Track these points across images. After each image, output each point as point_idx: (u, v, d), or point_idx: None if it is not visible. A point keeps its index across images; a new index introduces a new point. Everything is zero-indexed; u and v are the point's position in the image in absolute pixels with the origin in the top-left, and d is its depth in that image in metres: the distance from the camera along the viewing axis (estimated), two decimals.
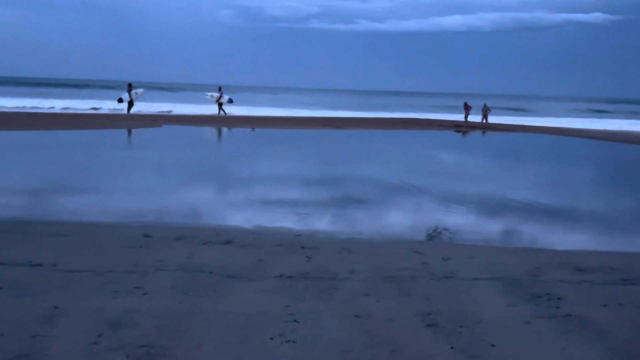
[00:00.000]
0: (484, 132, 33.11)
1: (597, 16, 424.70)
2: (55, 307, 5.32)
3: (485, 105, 41.57)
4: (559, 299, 6.02)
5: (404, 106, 68.41)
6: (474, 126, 36.04)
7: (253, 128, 28.77)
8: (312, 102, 71.73)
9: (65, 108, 41.62)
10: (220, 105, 37.67)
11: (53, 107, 41.93)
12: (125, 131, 25.04)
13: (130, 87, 35.92)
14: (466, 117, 41.12)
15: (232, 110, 40.52)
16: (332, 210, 10.33)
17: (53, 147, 19.18)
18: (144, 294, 5.76)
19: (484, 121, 40.34)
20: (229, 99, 38.46)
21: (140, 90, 36.69)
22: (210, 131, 27.49)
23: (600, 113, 72.94)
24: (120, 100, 36.33)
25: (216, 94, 37.75)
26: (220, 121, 32.12)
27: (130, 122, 28.87)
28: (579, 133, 34.05)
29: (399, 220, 9.71)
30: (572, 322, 5.43)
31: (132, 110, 35.31)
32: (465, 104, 42.20)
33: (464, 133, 32.46)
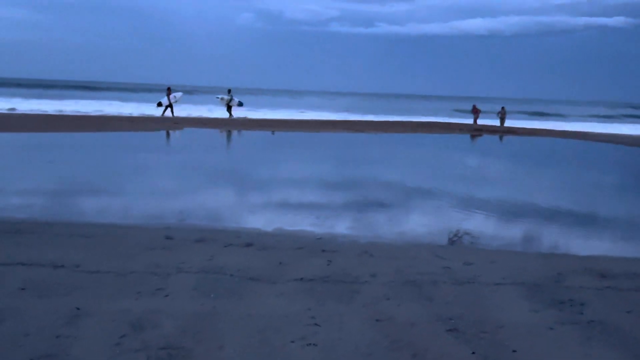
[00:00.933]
0: (502, 137, 32.88)
1: (619, 20, 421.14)
2: (78, 308, 5.37)
3: (502, 108, 41.29)
4: (582, 304, 5.96)
5: (424, 110, 68.20)
6: (494, 130, 35.86)
7: (273, 131, 28.83)
8: (332, 105, 71.81)
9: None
10: (229, 108, 37.66)
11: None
12: (145, 134, 25.20)
13: (169, 91, 36.23)
14: (475, 120, 40.86)
15: (244, 112, 40.70)
16: (352, 213, 10.32)
17: (85, 149, 19.36)
18: (166, 295, 5.79)
19: (502, 124, 40.10)
20: (239, 101, 38.56)
21: (179, 94, 36.97)
22: (230, 134, 27.60)
23: (625, 118, 72.20)
24: (159, 104, 36.65)
25: (226, 97, 37.79)
26: (240, 124, 32.26)
27: (151, 124, 29.07)
28: (602, 138, 33.74)
29: (420, 224, 9.68)
30: (596, 328, 5.38)
31: (167, 113, 35.74)
32: (474, 107, 41.93)
33: (481, 137, 32.33)
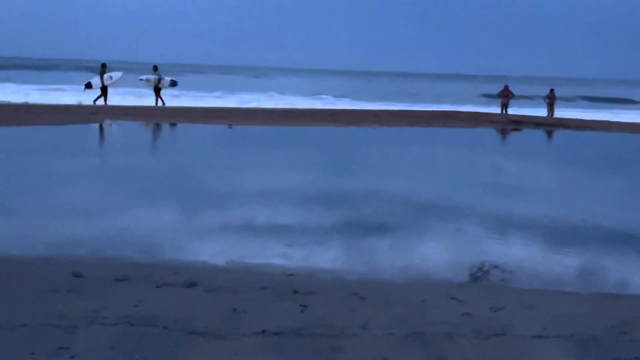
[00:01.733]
0: (550, 131, 33.08)
1: None
2: None
3: (551, 91, 41.37)
4: None
5: (439, 95, 68.52)
6: (539, 122, 36.05)
7: (230, 125, 28.79)
8: (310, 87, 71.93)
9: None
10: (158, 91, 37.35)
11: None
12: (48, 129, 25.06)
13: (104, 68, 36.14)
14: (504, 107, 40.81)
15: (195, 101, 40.67)
16: (338, 240, 10.34)
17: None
18: (72, 357, 5.76)
19: (550, 114, 40.26)
20: (171, 81, 38.42)
21: (117, 75, 36.82)
22: (163, 129, 27.53)
23: None
24: (88, 86, 36.68)
25: (152, 77, 37.51)
26: (183, 115, 32.13)
27: (59, 116, 28.89)
28: None
29: (431, 254, 9.71)
30: None
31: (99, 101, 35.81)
32: (506, 88, 41.64)
33: (520, 132, 32.53)
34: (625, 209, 14.03)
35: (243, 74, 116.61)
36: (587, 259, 9.86)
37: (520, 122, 35.65)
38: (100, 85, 35.83)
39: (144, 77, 38.75)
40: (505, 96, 41.13)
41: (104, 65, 36.20)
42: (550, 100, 40.92)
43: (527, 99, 59.11)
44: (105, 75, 35.88)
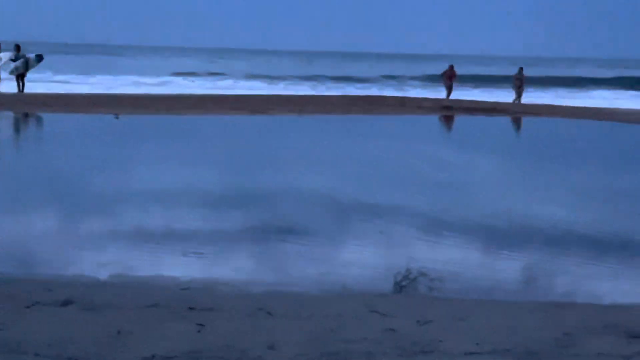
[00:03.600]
0: (483, 118, 33.36)
1: None
2: None
3: (520, 71, 41.24)
4: None
5: (363, 78, 68.91)
6: (471, 108, 36.31)
7: (117, 115, 28.54)
8: (216, 70, 71.74)
9: None
10: (20, 76, 36.36)
11: None
12: None
13: (18, 49, 35.88)
14: (449, 90, 41.07)
15: (73, 86, 40.06)
16: (242, 247, 10.35)
17: None
18: None
19: (518, 100, 40.36)
20: (37, 56, 37.54)
21: (5, 55, 35.88)
22: (30, 119, 27.21)
23: None
24: None
25: (9, 54, 36.35)
26: (59, 103, 31.61)
27: None
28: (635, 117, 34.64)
29: (349, 261, 9.75)
30: None
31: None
32: (451, 68, 42.02)
33: (453, 119, 32.91)
34: (568, 205, 14.25)
35: (126, 54, 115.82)
36: (527, 264, 10.03)
37: (451, 108, 35.98)
38: None
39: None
40: (450, 77, 41.31)
41: (17, 46, 36.10)
42: (519, 82, 40.94)
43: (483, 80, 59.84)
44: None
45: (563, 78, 68.27)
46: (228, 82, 57.24)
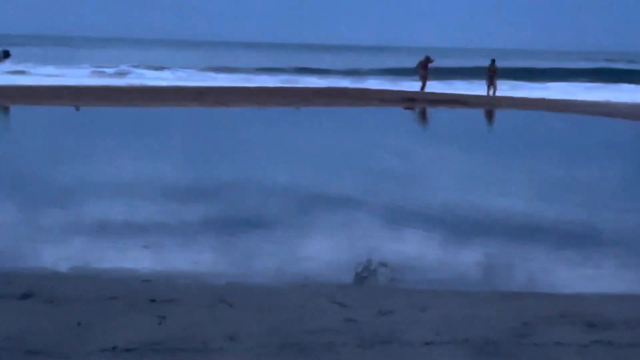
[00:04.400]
0: (444, 110, 33.44)
1: None
2: None
3: (492, 62, 41.18)
4: None
5: (324, 70, 68.77)
6: (435, 100, 36.33)
7: (77, 106, 28.45)
8: (172, 62, 71.26)
9: None
10: None
11: None
12: None
13: None
14: (424, 81, 40.89)
15: (34, 78, 39.68)
16: (203, 239, 10.36)
17: None
18: None
19: (492, 92, 40.22)
20: (3, 51, 37.33)
21: None
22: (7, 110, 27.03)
23: (608, 75, 74.47)
24: None
25: None
26: (18, 96, 31.41)
27: None
28: (594, 109, 34.77)
29: (310, 253, 9.78)
30: None
31: None
32: (428, 59, 41.65)
33: (422, 112, 32.95)
34: (528, 197, 14.37)
35: (88, 46, 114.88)
36: (486, 254, 10.08)
37: (414, 100, 35.96)
38: None
39: None
40: (424, 66, 41.15)
41: None
42: (492, 73, 41.05)
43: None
44: None
45: (524, 69, 68.14)
46: (187, 74, 56.76)
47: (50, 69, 50.04)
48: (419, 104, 34.87)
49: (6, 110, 27.29)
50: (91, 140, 20.81)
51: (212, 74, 57.06)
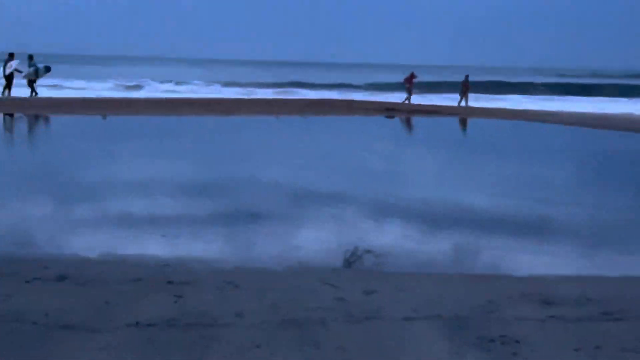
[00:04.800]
0: (420, 118, 33.52)
1: None
2: None
3: (466, 78, 41.17)
4: (517, 342, 6.19)
5: (319, 85, 68.74)
6: (412, 110, 36.37)
7: (105, 115, 28.38)
8: (186, 76, 71.18)
9: None
10: (31, 82, 35.86)
11: None
12: None
13: (10, 57, 35.12)
14: (409, 93, 40.76)
15: (72, 91, 39.55)
16: (214, 229, 10.36)
17: None
18: None
19: (464, 103, 40.26)
20: (45, 67, 37.01)
21: (14, 63, 35.34)
22: (36, 121, 26.88)
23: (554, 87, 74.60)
24: None
25: (17, 61, 35.59)
26: (53, 106, 31.32)
27: None
28: (545, 118, 34.81)
29: (305, 241, 9.76)
30: None
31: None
32: (412, 75, 41.45)
33: (401, 120, 32.94)
34: (492, 193, 14.38)
35: (110, 63, 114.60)
36: (456, 242, 10.10)
37: (393, 110, 35.97)
38: (2, 73, 35.00)
39: (14, 64, 36.88)
40: (409, 81, 41.15)
41: (11, 55, 35.24)
42: (465, 88, 41.04)
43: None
44: (9, 64, 34.96)
45: (487, 83, 67.99)
46: (197, 87, 56.67)
47: (80, 83, 50.12)
48: (398, 113, 34.85)
49: (46, 118, 27.17)
50: (116, 144, 20.75)
51: (219, 87, 57.03)
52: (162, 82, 59.33)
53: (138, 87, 53.02)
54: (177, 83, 59.31)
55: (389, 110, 35.60)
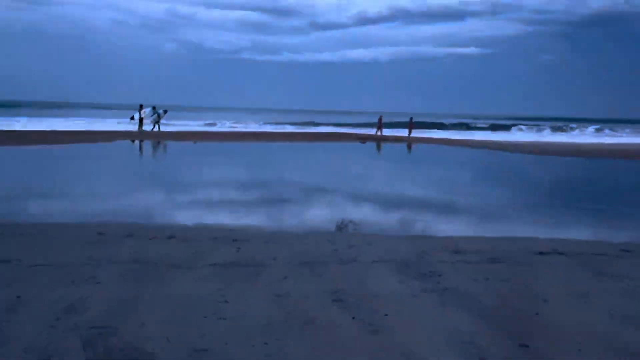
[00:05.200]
0: (377, 144, 33.51)
1: (472, 50, 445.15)
2: (19, 297, 5.10)
3: (411, 119, 41.33)
4: (439, 275, 6.20)
5: (323, 122, 68.73)
6: (379, 139, 36.27)
7: (195, 141, 28.44)
8: (247, 118, 71.25)
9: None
10: (157, 122, 35.52)
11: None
12: (91, 145, 24.18)
13: (140, 107, 35.09)
14: (379, 130, 40.24)
15: (169, 126, 39.44)
16: (260, 209, 10.32)
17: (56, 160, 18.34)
18: (97, 282, 5.60)
19: (409, 135, 39.85)
20: (164, 110, 36.75)
21: (146, 110, 35.23)
22: (157, 145, 26.96)
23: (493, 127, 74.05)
24: (132, 118, 35.69)
25: (146, 110, 35.50)
26: (167, 136, 31.40)
27: (90, 136, 27.93)
28: (461, 143, 34.88)
29: (314, 215, 9.77)
30: (450, 294, 5.61)
31: (155, 128, 34.86)
32: (380, 119, 40.77)
33: (372, 145, 32.91)
34: (425, 187, 14.42)
35: (204, 111, 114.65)
36: (403, 216, 10.09)
37: (366, 139, 35.87)
38: (139, 117, 35.04)
39: (146, 113, 36.32)
40: (379, 121, 40.43)
41: (141, 106, 35.30)
42: (410, 125, 40.65)
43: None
44: (142, 111, 35.02)
45: (427, 122, 67.60)
46: (248, 125, 56.39)
47: (180, 122, 49.99)
48: (368, 141, 34.80)
49: (164, 144, 27.27)
50: (201, 158, 20.81)
51: (262, 125, 56.85)
52: (228, 121, 59.22)
53: (213, 124, 52.78)
54: (236, 122, 59.10)
55: (362, 139, 35.58)
